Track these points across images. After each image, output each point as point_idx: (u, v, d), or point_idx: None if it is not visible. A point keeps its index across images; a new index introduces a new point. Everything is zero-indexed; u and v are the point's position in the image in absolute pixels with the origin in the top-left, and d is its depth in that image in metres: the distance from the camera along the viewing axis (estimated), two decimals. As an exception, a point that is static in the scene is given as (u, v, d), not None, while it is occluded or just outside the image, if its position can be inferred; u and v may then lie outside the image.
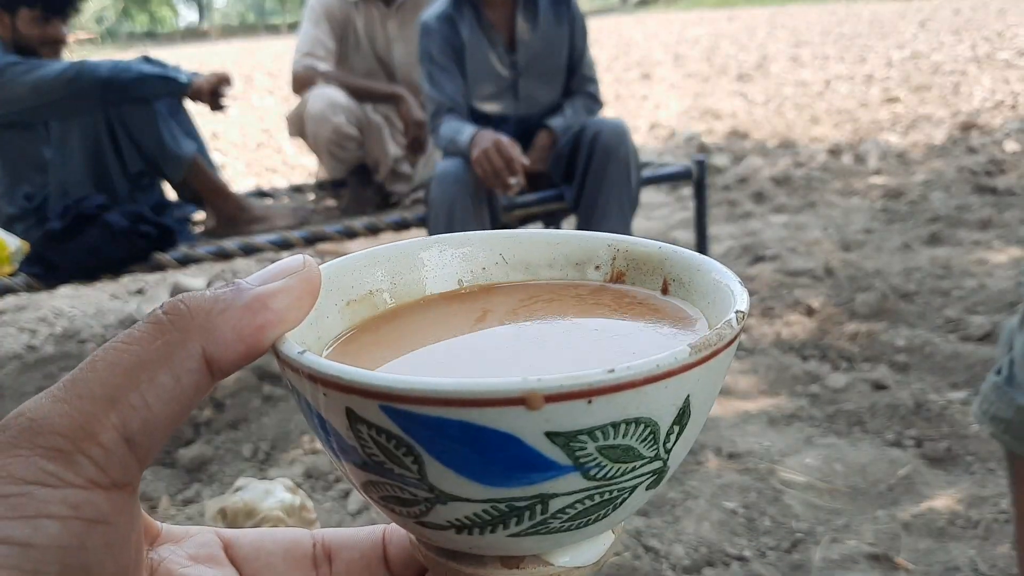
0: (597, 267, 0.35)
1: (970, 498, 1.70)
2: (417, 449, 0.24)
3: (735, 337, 0.26)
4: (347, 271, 0.32)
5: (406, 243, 0.34)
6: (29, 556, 0.21)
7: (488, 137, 2.28)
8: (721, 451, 1.92)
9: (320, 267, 0.29)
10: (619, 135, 2.41)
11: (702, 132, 6.05)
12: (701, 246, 2.78)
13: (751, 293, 2.78)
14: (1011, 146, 4.73)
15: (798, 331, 2.54)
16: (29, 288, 2.20)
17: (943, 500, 1.70)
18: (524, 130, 2.57)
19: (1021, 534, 1.04)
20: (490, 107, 2.58)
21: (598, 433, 0.23)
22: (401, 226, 2.44)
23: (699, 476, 1.82)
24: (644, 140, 6.07)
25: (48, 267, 2.21)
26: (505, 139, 2.28)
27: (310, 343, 0.29)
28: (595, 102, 2.68)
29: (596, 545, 0.28)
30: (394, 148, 2.89)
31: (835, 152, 5.09)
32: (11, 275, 2.20)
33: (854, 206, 3.95)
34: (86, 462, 0.22)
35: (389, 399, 0.23)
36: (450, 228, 2.28)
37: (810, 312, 2.66)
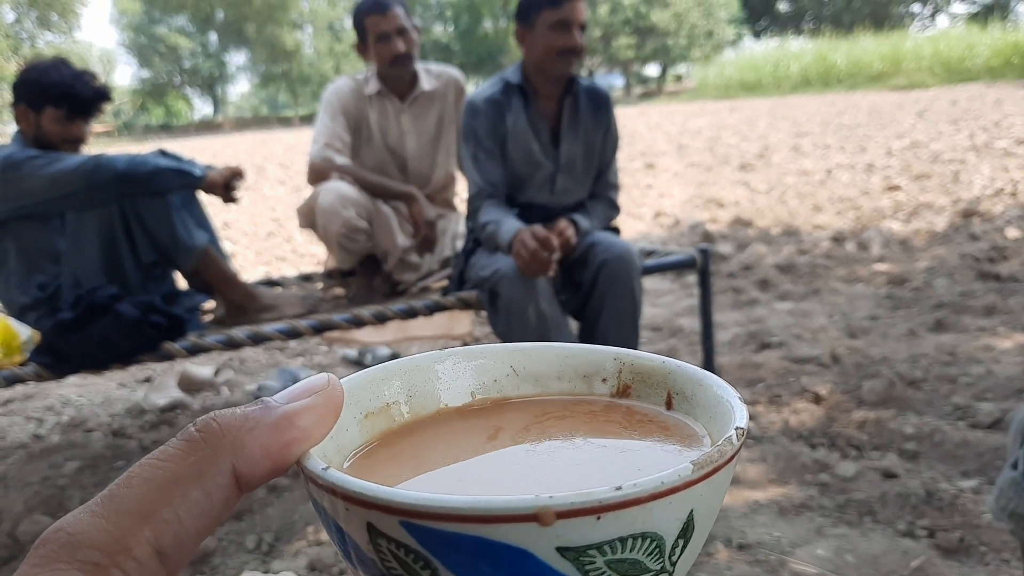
0: (604, 380, 0.36)
1: (986, 591, 1.66)
2: (434, 563, 0.25)
3: (735, 453, 0.27)
4: (366, 385, 0.34)
5: (422, 356, 0.36)
6: None
7: (523, 231, 2.34)
8: (731, 542, 1.89)
9: (341, 381, 0.31)
10: (626, 264, 2.43)
11: (706, 220, 6.13)
12: (706, 333, 2.80)
13: (758, 381, 2.76)
14: (1012, 233, 4.77)
15: (806, 419, 2.52)
16: (38, 377, 2.21)
17: (959, 593, 1.67)
18: (553, 220, 2.62)
19: None
20: (526, 195, 2.64)
21: (606, 547, 0.24)
22: (408, 315, 2.45)
23: (709, 568, 1.79)
24: (649, 228, 6.15)
25: (58, 357, 2.22)
26: (537, 227, 2.33)
27: (331, 455, 0.30)
28: (614, 208, 2.76)
29: None
30: (402, 238, 2.94)
31: (838, 239, 5.14)
32: (21, 364, 2.22)
33: (858, 293, 3.97)
34: (120, 575, 0.23)
35: (409, 515, 0.24)
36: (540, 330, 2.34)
37: (817, 400, 2.65)
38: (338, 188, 2.82)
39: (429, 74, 3.09)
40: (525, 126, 2.59)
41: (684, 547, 0.26)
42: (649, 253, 2.96)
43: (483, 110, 2.56)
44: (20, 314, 2.49)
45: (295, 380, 2.89)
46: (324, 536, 2.02)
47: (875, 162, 8.37)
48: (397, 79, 3.01)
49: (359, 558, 0.27)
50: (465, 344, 3.45)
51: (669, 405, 0.34)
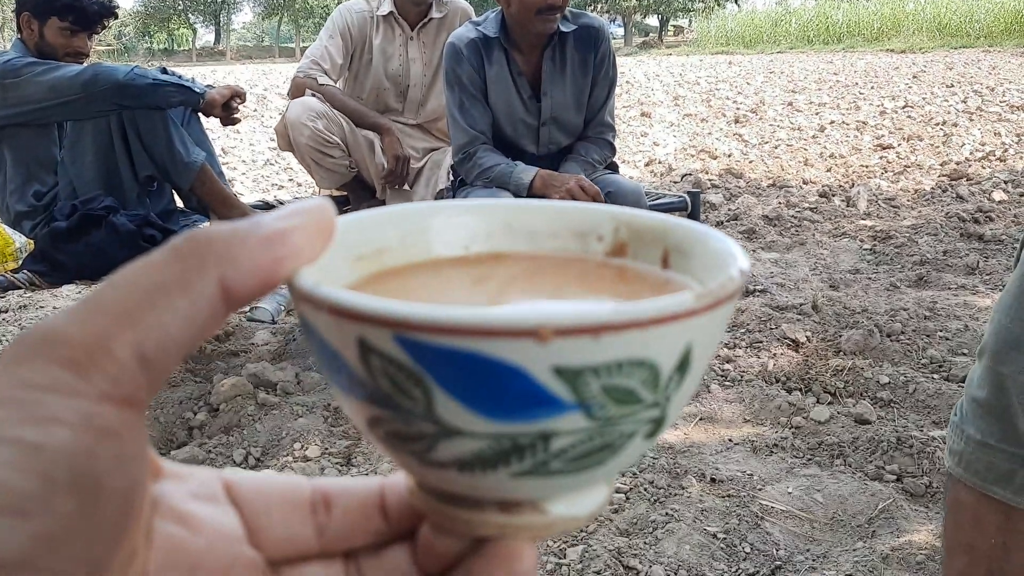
0: (600, 238, 0.36)
1: (946, 530, 1.73)
2: (427, 380, 0.24)
3: (736, 291, 0.27)
4: (358, 227, 0.33)
5: (414, 205, 0.35)
6: (40, 458, 0.21)
7: (564, 178, 2.33)
8: (704, 476, 1.96)
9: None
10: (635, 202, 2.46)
11: (698, 170, 6.14)
12: (693, 277, 2.83)
13: (739, 326, 2.80)
14: (999, 196, 4.82)
15: (784, 364, 2.58)
16: (31, 285, 2.23)
17: (922, 535, 1.73)
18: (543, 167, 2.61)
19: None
20: (512, 145, 2.62)
21: (603, 371, 0.24)
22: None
23: (681, 500, 1.85)
24: (641, 175, 6.16)
25: (52, 265, 2.24)
26: (583, 179, 2.33)
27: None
28: (610, 150, 2.71)
29: (590, 497, 0.29)
30: (380, 166, 2.94)
31: (826, 194, 5.17)
32: (14, 271, 2.24)
33: (843, 247, 4.02)
34: (99, 375, 0.22)
35: (403, 328, 0.23)
36: None
37: (796, 346, 2.71)
38: (306, 102, 2.82)
39: (438, 1, 3.07)
40: (505, 79, 2.54)
41: (679, 383, 0.26)
42: (642, 196, 2.99)
43: (466, 55, 2.50)
44: (15, 222, 2.50)
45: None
46: (310, 452, 2.07)
47: (867, 121, 8.37)
48: (413, 3, 2.98)
49: (349, 380, 0.26)
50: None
51: (665, 263, 0.34)
